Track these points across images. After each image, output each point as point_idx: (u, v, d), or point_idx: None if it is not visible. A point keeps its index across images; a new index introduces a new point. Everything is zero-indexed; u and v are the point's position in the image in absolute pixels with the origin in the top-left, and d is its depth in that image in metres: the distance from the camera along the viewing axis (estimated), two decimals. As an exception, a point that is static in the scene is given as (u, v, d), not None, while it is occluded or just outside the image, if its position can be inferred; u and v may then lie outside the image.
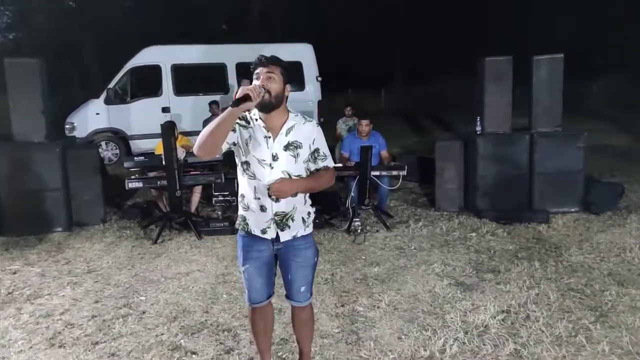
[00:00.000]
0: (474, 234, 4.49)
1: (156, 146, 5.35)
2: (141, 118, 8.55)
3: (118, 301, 3.25)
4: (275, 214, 1.96)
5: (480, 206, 5.11)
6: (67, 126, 8.58)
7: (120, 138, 8.76)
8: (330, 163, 2.04)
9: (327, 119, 9.19)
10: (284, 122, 1.93)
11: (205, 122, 7.50)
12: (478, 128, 5.31)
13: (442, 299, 3.19)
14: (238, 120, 1.90)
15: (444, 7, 19.27)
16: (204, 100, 8.14)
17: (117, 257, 4.11)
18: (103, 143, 8.72)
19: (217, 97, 8.03)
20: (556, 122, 5.23)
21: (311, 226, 2.08)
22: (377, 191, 5.23)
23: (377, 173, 4.86)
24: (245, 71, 9.64)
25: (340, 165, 5.03)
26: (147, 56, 8.73)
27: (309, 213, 2.07)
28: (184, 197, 4.90)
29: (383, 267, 3.76)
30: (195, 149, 1.83)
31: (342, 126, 7.58)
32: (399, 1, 20.18)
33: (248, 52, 9.18)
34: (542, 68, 5.18)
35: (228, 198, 5.23)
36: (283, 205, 1.96)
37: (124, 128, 8.69)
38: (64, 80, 16.29)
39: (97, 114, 8.60)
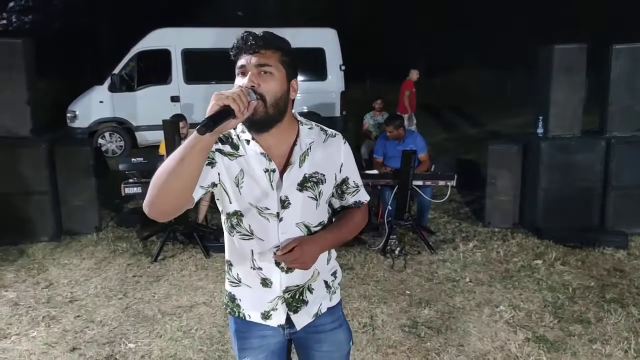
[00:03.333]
0: (539, 262, 3.67)
1: (161, 144, 4.61)
2: (148, 107, 7.83)
3: (100, 350, 2.55)
4: (286, 290, 1.24)
5: (540, 224, 4.27)
6: (68, 114, 7.94)
7: (125, 129, 8.07)
8: (363, 197, 1.33)
9: (348, 111, 8.41)
10: (294, 142, 1.19)
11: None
12: (540, 130, 4.45)
13: (522, 363, 2.41)
14: (218, 146, 1.16)
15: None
16: (217, 89, 7.23)
17: (108, 280, 3.41)
18: (107, 134, 8.05)
19: (232, 87, 7.25)
20: (637, 126, 4.33)
21: (339, 291, 1.35)
22: (416, 203, 4.43)
23: (419, 183, 4.04)
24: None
25: (375, 172, 4.23)
26: (156, 39, 7.97)
27: (334, 273, 1.34)
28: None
29: (435, 308, 2.97)
30: (145, 207, 1.07)
31: (369, 122, 6.77)
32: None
33: (266, 36, 8.39)
34: (621, 59, 4.28)
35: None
36: (298, 276, 1.23)
37: (129, 118, 7.98)
38: (77, 65, 15.77)
39: (101, 102, 7.91)
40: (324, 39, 8.19)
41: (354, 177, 1.29)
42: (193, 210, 4.42)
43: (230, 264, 1.28)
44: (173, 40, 7.97)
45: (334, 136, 1.25)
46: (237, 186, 1.16)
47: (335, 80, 8.26)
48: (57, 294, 3.20)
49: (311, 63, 7.96)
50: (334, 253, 1.34)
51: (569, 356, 2.47)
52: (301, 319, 1.26)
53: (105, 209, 4.88)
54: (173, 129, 3.68)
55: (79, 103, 8.02)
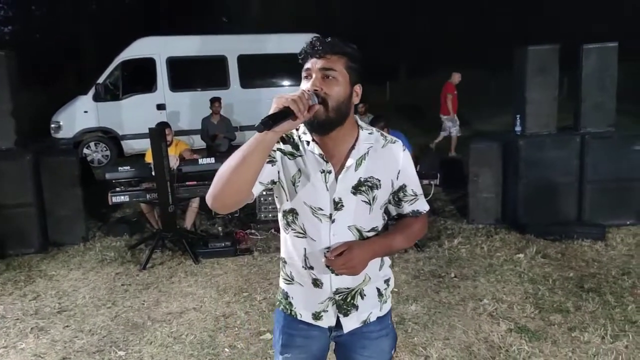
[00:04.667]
0: (521, 256, 3.79)
1: (147, 152, 4.63)
2: (134, 116, 7.81)
3: (90, 359, 2.56)
4: (336, 292, 1.25)
5: (522, 219, 4.40)
6: (52, 125, 7.87)
7: (111, 138, 8.03)
8: (423, 206, 1.31)
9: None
10: (352, 147, 1.20)
11: (204, 121, 6.78)
12: (518, 128, 4.58)
13: (505, 352, 2.50)
14: (279, 145, 1.20)
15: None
16: (202, 96, 7.41)
17: (96, 290, 3.41)
18: (92, 144, 8.00)
19: (219, 93, 7.25)
20: (609, 121, 4.50)
21: (390, 300, 1.35)
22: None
23: (404, 182, 4.13)
24: (248, 64, 8.99)
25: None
26: (140, 48, 7.97)
27: (387, 280, 1.34)
28: (178, 211, 4.20)
29: (421, 304, 3.05)
30: (208, 199, 1.13)
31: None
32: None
33: (250, 43, 8.44)
34: (592, 58, 4.44)
35: (229, 210, 4.53)
36: (348, 279, 1.24)
37: (115, 127, 7.95)
38: (60, 75, 15.59)
39: (86, 112, 7.87)
40: (308, 44, 8.28)
41: (413, 185, 1.28)
42: (181, 217, 4.44)
43: (285, 262, 1.31)
44: (158, 48, 7.98)
45: (394, 142, 1.25)
46: (294, 185, 1.19)
47: (319, 85, 8.34)
48: (45, 305, 3.19)
49: (296, 68, 8.03)
50: (387, 260, 1.34)
51: (549, 344, 2.56)
52: (350, 323, 1.27)
53: (92, 218, 4.87)
54: (159, 137, 3.71)
55: (63, 113, 7.96)
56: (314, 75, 1.13)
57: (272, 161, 1.17)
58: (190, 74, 8.19)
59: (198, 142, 7.19)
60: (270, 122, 0.99)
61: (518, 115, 4.58)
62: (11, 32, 21.02)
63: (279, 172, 1.20)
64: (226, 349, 2.59)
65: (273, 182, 1.20)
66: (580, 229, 4.18)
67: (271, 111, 1.02)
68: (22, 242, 4.06)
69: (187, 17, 16.36)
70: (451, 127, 8.25)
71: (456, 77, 8.21)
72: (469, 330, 2.72)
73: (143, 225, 4.75)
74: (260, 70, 8.42)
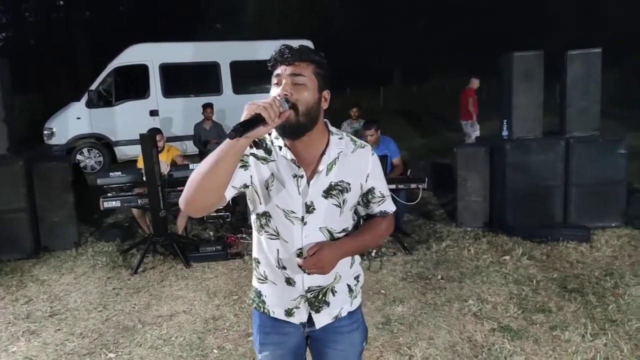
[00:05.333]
0: (507, 258, 3.86)
1: (139, 158, 4.67)
2: (127, 122, 7.84)
3: (81, 360, 2.59)
4: (308, 290, 1.31)
5: (509, 222, 4.48)
6: (45, 132, 7.89)
7: (104, 144, 8.06)
8: (390, 207, 1.38)
9: (330, 119, 8.55)
10: (323, 151, 1.25)
11: (197, 127, 6.83)
12: (505, 132, 4.68)
13: (487, 351, 2.56)
14: (253, 150, 1.24)
15: (443, 3, 18.69)
16: (195, 102, 7.46)
17: (88, 294, 3.44)
18: (85, 150, 8.02)
19: (211, 99, 7.31)
20: (593, 126, 4.60)
21: (360, 296, 1.42)
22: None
23: (392, 186, 4.20)
24: (240, 71, 9.08)
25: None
26: (133, 54, 8.02)
27: (357, 277, 1.40)
28: (170, 216, 4.24)
29: (408, 305, 3.11)
30: (181, 203, 1.15)
31: (347, 129, 6.93)
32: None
33: (242, 49, 8.52)
34: (576, 64, 4.55)
35: (222, 214, 4.58)
36: (320, 277, 1.29)
37: (108, 133, 7.98)
38: (54, 81, 15.60)
39: (78, 118, 7.89)
40: (300, 50, 8.38)
41: (381, 187, 1.33)
42: (173, 222, 4.48)
43: (258, 262, 1.35)
44: (150, 55, 8.04)
45: (363, 147, 1.29)
46: (267, 189, 1.23)
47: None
48: (37, 309, 3.22)
49: None
50: (357, 258, 1.40)
51: (530, 343, 2.62)
52: (322, 319, 1.33)
53: (85, 224, 4.89)
54: (150, 143, 3.76)
55: (56, 120, 7.98)
56: (284, 81, 1.17)
57: (245, 166, 1.21)
58: (182, 80, 8.27)
59: (191, 147, 7.24)
60: (241, 128, 1.04)
61: (505, 120, 4.68)
62: (5, 38, 21.04)
63: (251, 177, 1.23)
64: (215, 350, 2.63)
65: (245, 186, 1.23)
66: (566, 231, 4.26)
67: (242, 118, 1.06)
68: (14, 247, 4.08)
69: (180, 24, 16.45)
70: (472, 132, 8.30)
71: (475, 82, 8.29)
72: (453, 330, 2.78)
73: (135, 230, 4.78)
74: (252, 77, 8.49)
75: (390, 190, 4.52)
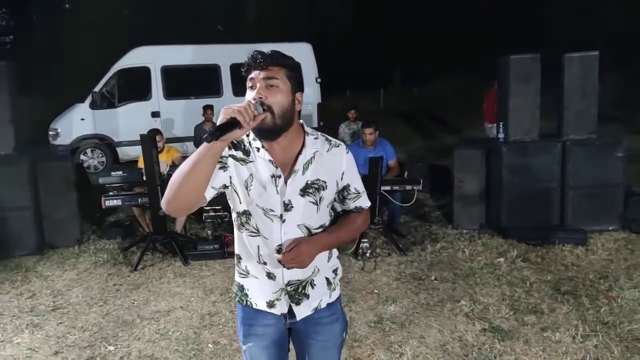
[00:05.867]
0: (502, 260, 3.89)
1: (139, 158, 4.76)
2: (129, 123, 7.94)
3: (82, 352, 2.67)
4: (288, 284, 1.37)
5: (505, 224, 4.51)
6: (50, 132, 8.02)
7: (106, 145, 8.18)
8: (365, 203, 1.44)
9: (326, 122, 8.63)
10: (299, 152, 1.31)
11: (197, 128, 6.93)
12: (501, 135, 4.72)
13: (477, 350, 2.60)
14: (232, 152, 1.29)
15: (443, 6, 18.75)
16: (196, 104, 7.56)
17: (89, 289, 3.52)
18: (88, 150, 8.14)
19: (211, 101, 7.41)
20: (590, 128, 4.62)
21: (338, 288, 1.49)
22: (387, 208, 4.64)
23: (388, 188, 4.26)
24: (240, 73, 9.04)
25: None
26: (136, 57, 8.15)
27: (335, 270, 1.47)
28: (168, 216, 4.31)
29: (400, 304, 3.16)
30: (163, 204, 1.22)
31: (345, 130, 6.98)
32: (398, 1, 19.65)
33: (243, 52, 8.42)
34: (574, 67, 4.59)
35: (220, 213, 4.63)
36: (299, 272, 1.36)
37: (110, 134, 8.10)
38: (60, 83, 15.78)
39: (82, 119, 8.02)
40: (300, 53, 8.42)
41: (355, 184, 1.39)
42: (172, 220, 4.55)
43: (240, 258, 1.41)
44: (152, 57, 8.16)
45: (338, 146, 1.35)
46: (247, 189, 1.29)
47: (311, 93, 8.50)
48: (40, 304, 3.30)
49: None
50: (335, 252, 1.46)
51: (521, 343, 2.66)
52: (302, 311, 1.39)
53: (87, 222, 4.98)
54: (150, 143, 3.84)
55: (61, 121, 8.11)
56: (258, 85, 1.23)
57: (224, 167, 1.27)
58: (184, 82, 8.36)
59: (191, 148, 7.33)
60: (217, 132, 1.10)
61: (501, 123, 4.72)
62: (12, 41, 21.31)
63: (230, 177, 1.29)
64: (210, 345, 2.70)
65: (225, 187, 1.29)
66: (562, 234, 4.28)
67: (219, 122, 1.12)
68: (19, 244, 4.17)
69: (182, 27, 16.58)
70: (494, 135, 8.11)
71: None
72: (444, 329, 2.83)
73: (135, 229, 4.87)
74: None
75: (385, 191, 4.55)
